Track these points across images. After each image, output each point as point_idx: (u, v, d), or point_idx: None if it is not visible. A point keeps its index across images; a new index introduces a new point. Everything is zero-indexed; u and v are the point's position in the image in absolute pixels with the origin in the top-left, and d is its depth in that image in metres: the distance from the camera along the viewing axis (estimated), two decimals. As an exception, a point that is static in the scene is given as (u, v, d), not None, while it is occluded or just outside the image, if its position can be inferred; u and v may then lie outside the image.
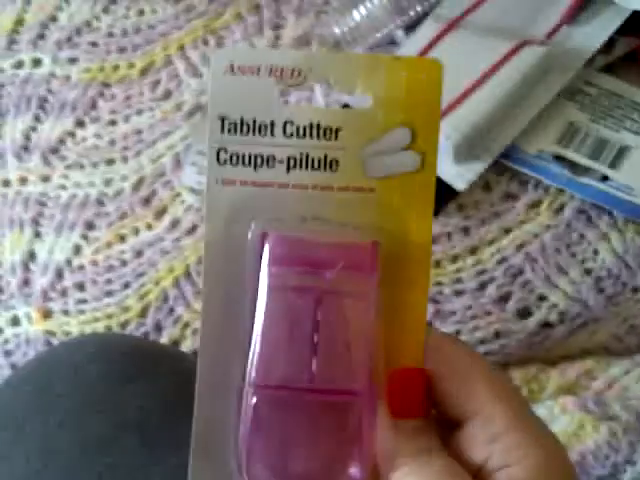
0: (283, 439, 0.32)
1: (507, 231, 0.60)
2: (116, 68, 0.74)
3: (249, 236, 0.32)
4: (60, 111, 0.73)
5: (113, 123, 0.72)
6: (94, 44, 0.75)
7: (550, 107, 0.61)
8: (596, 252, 0.59)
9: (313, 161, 0.32)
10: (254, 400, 0.31)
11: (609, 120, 0.61)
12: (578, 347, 0.59)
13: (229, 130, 0.32)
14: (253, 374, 0.31)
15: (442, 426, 0.31)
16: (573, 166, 0.60)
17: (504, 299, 0.59)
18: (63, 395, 0.46)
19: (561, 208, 0.60)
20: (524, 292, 0.59)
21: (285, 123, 0.31)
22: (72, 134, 0.72)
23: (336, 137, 0.31)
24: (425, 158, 0.31)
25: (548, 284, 0.59)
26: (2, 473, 0.44)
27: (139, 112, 0.71)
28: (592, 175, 0.60)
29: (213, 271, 0.32)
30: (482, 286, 0.60)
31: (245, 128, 0.32)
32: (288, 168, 0.32)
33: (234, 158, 0.32)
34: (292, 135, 0.31)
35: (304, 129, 0.31)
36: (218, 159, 0.32)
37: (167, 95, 0.72)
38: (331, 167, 0.32)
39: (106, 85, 0.73)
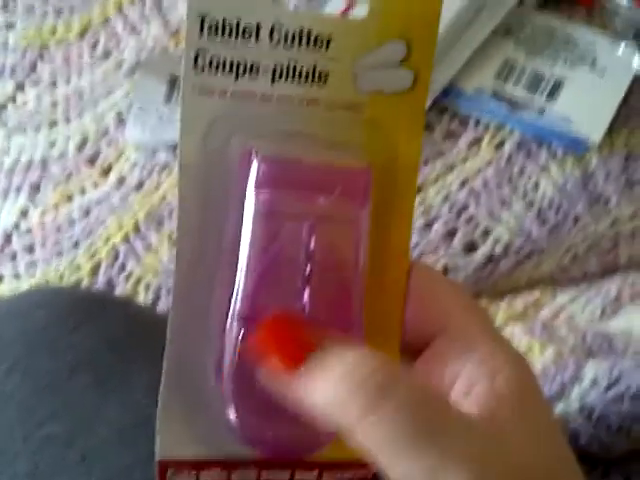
0: None
1: (450, 168, 0.61)
2: (54, 31, 0.73)
3: (229, 153, 0.29)
4: (-1, 76, 0.72)
5: (54, 85, 0.71)
6: (30, 8, 0.74)
7: (486, 45, 0.62)
8: (537, 185, 0.60)
9: (301, 72, 0.29)
10: (241, 333, 0.29)
11: (545, 54, 0.62)
12: (524, 279, 0.61)
13: (209, 31, 0.28)
14: (239, 306, 0.29)
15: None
16: (511, 102, 0.61)
17: (450, 235, 0.60)
18: (11, 342, 0.46)
19: (501, 143, 0.61)
20: (469, 227, 0.60)
21: (273, 27, 0.28)
22: (13, 99, 0.71)
23: (327, 47, 0.28)
24: (418, 76, 0.29)
25: (492, 218, 0.60)
26: None
27: (79, 73, 0.71)
28: (530, 109, 0.61)
29: (189, 191, 0.29)
30: (429, 224, 0.60)
31: (227, 30, 0.28)
32: (273, 78, 0.28)
33: (213, 63, 0.28)
34: (279, 42, 0.28)
35: (293, 35, 0.28)
36: (195, 64, 0.28)
37: (107, 54, 0.71)
38: (320, 79, 0.29)
39: (45, 48, 0.72)
